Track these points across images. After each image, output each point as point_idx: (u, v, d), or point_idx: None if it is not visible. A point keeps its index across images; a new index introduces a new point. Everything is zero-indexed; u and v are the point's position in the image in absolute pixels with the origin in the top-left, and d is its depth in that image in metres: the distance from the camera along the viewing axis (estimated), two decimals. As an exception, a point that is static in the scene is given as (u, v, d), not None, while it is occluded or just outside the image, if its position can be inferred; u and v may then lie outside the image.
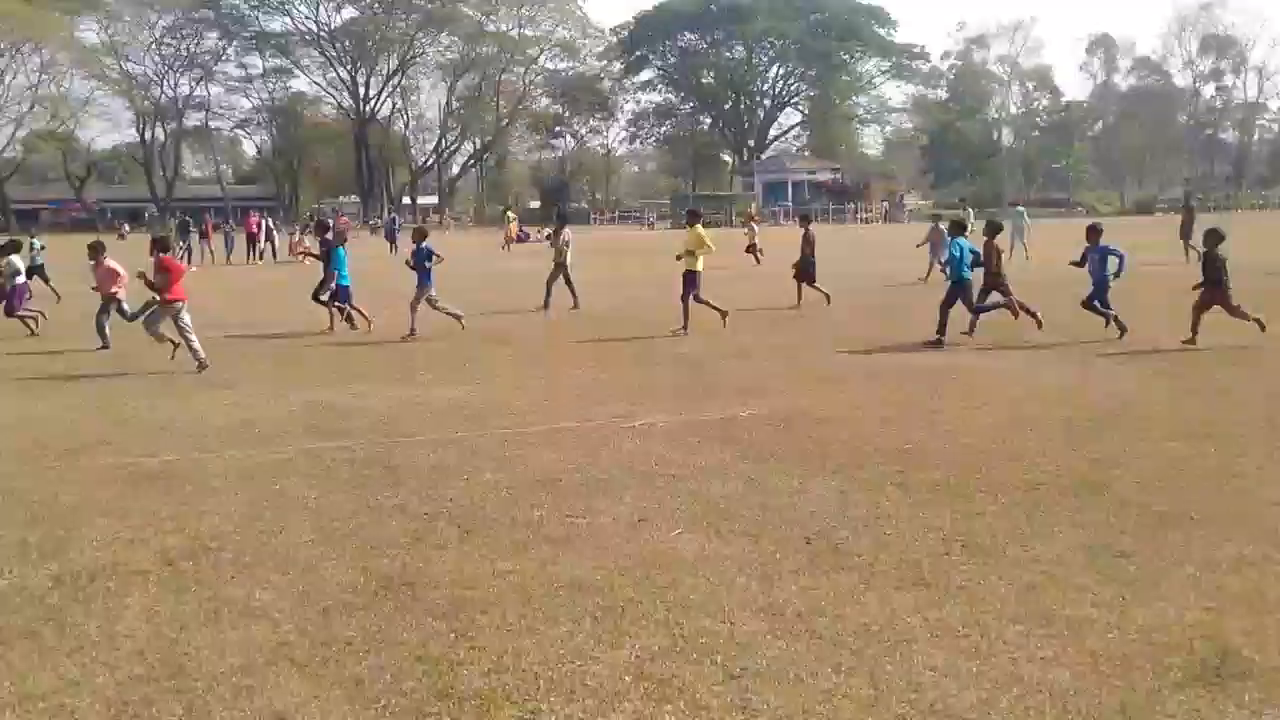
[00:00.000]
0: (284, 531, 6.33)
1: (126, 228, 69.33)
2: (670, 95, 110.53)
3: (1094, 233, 14.47)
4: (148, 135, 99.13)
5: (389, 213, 56.74)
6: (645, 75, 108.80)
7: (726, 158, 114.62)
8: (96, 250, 15.75)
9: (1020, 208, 32.31)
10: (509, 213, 51.64)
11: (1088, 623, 4.73)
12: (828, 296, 19.10)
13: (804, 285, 19.31)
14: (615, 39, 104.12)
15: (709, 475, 7.42)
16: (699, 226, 16.18)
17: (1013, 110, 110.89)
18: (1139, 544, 5.74)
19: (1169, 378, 10.98)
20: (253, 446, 8.71)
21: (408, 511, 6.73)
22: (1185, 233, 26.75)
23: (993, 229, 14.89)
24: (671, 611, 4.98)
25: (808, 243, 19.61)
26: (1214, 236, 13.16)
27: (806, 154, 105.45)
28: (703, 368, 12.47)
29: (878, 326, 15.93)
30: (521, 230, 50.39)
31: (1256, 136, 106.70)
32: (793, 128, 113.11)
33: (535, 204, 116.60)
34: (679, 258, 15.98)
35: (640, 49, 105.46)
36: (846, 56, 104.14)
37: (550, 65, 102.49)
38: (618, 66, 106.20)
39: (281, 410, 10.33)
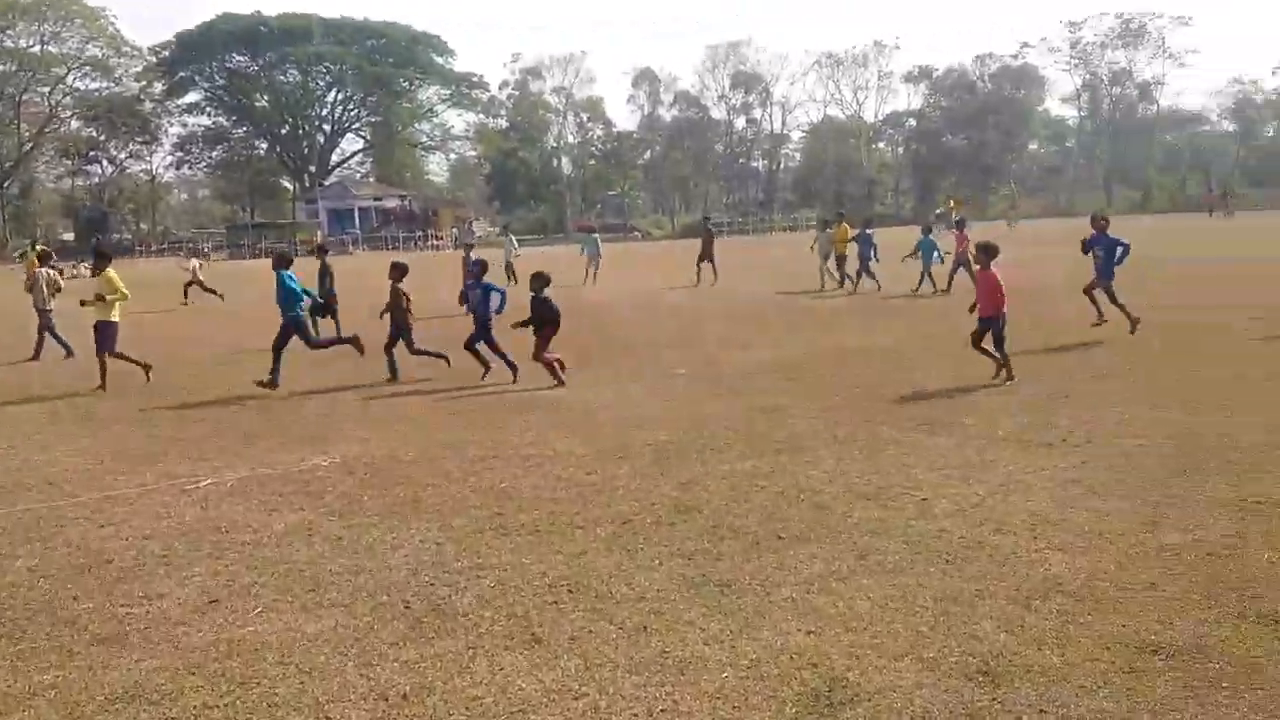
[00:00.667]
0: None
1: None
2: (221, 119, 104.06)
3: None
4: None
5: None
6: (191, 97, 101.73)
7: (287, 184, 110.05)
8: None
9: (595, 234, 33.45)
10: (34, 248, 45.55)
11: (701, 663, 4.63)
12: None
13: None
14: (155, 59, 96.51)
15: (291, 539, 6.71)
16: (110, 270, 13.84)
17: (569, 139, 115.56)
18: (736, 569, 5.80)
19: (736, 395, 11.54)
20: None
21: (-90, 622, 5.47)
22: (704, 255, 28.22)
23: (398, 272, 13.62)
24: (255, 716, 4.31)
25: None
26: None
27: (371, 180, 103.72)
28: (270, 412, 11.54)
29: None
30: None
31: (781, 165, 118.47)
32: (355, 154, 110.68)
33: (68, 236, 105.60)
34: (84, 304, 13.71)
35: (184, 69, 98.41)
36: (406, 84, 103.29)
37: (81, 85, 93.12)
38: (159, 88, 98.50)
39: None
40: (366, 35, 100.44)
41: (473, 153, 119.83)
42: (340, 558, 6.28)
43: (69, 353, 16.75)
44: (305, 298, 13.47)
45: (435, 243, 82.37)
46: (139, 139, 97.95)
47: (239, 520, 7.19)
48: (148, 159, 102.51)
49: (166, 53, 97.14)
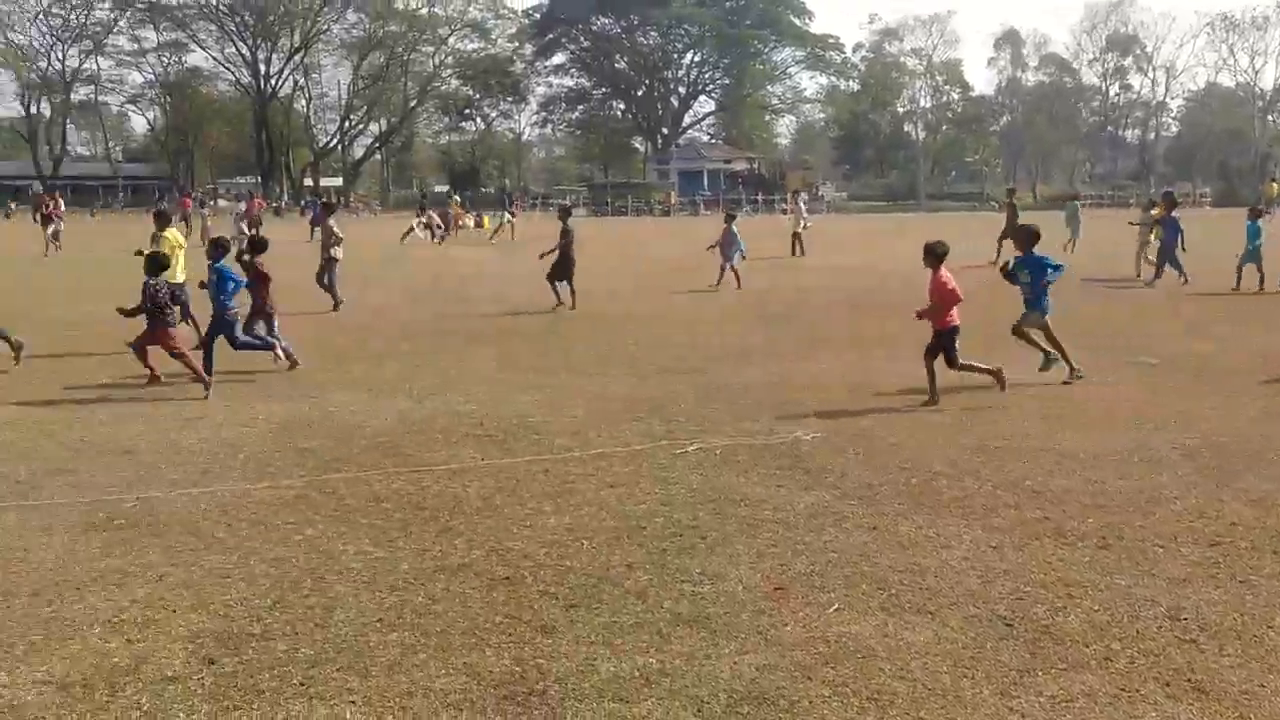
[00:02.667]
0: (337, 607, 5.00)
1: (13, 206, 65.13)
2: (583, 80, 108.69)
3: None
4: (33, 109, 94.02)
5: (310, 195, 53.77)
6: (558, 59, 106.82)
7: (639, 145, 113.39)
8: None
9: (1077, 201, 31.60)
10: (454, 196, 48.68)
11: None
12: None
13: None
14: (527, 20, 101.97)
15: (820, 522, 6.28)
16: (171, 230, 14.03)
17: (923, 104, 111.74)
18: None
19: (1240, 394, 10.14)
20: (247, 478, 7.30)
21: (480, 572, 5.46)
22: (1007, 233, 25.33)
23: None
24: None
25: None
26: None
27: (718, 143, 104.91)
28: (705, 374, 11.31)
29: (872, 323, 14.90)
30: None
31: (1157, 135, 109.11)
32: (706, 116, 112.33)
33: (441, 188, 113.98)
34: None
35: (553, 32, 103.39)
36: (761, 45, 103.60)
37: (461, 46, 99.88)
38: (529, 49, 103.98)
39: (260, 429, 8.89)
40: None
41: (820, 116, 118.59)
42: (889, 552, 5.76)
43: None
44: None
45: (783, 207, 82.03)
46: (509, 98, 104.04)
47: (750, 493, 6.86)
48: (515, 118, 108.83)
49: (538, 15, 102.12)
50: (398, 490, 7.01)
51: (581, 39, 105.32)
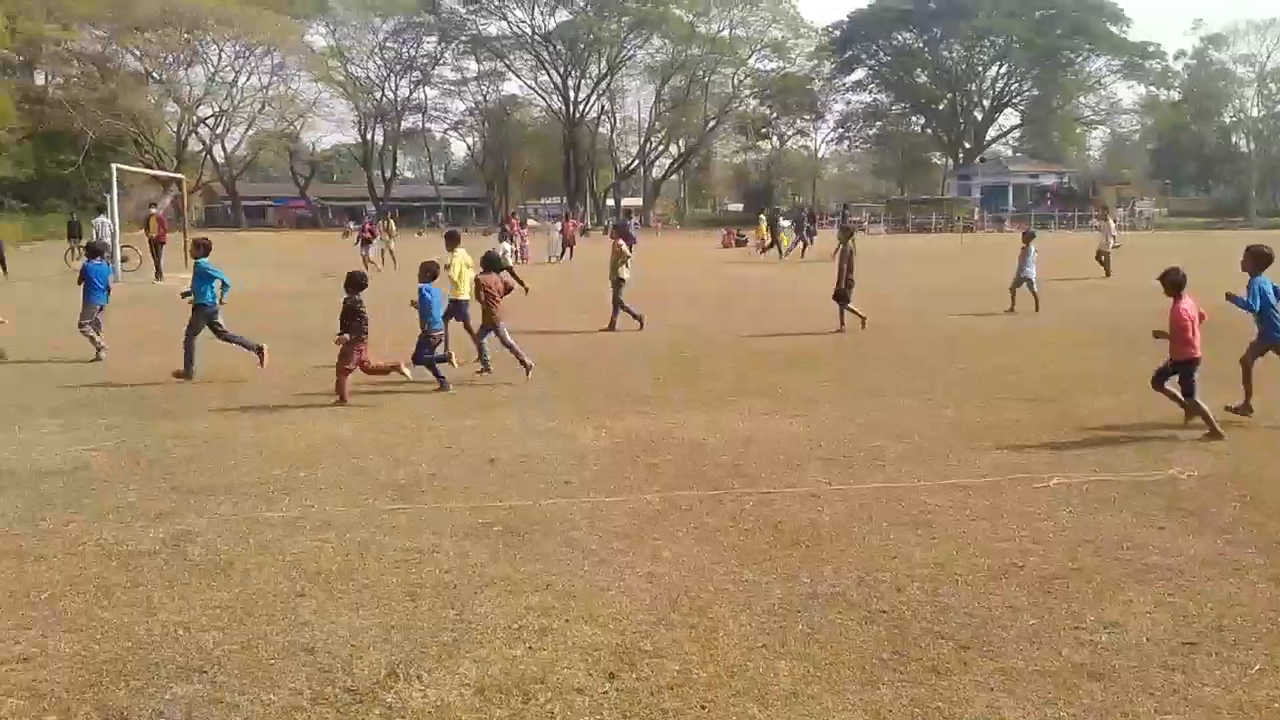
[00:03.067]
0: (720, 630, 5.02)
1: (351, 224, 71.13)
2: (881, 96, 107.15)
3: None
4: (368, 136, 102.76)
5: (624, 214, 55.72)
6: (856, 75, 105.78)
7: (938, 160, 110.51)
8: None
9: None
10: (761, 216, 48.97)
11: None
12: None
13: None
14: (827, 39, 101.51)
15: (1217, 571, 5.75)
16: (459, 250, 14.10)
17: (1252, 113, 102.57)
18: None
19: None
20: (605, 491, 7.52)
21: (854, 603, 5.34)
22: None
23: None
24: None
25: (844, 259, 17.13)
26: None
27: (1021, 156, 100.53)
28: (1048, 402, 10.69)
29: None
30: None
31: None
32: (1012, 129, 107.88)
33: (735, 206, 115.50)
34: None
35: (852, 48, 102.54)
36: (1073, 55, 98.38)
37: (760, 66, 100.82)
38: (828, 66, 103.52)
39: (605, 443, 9.16)
40: (1035, 6, 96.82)
41: (1135, 128, 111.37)
42: (1310, 610, 5.19)
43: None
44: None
45: (1094, 224, 77.30)
46: (806, 116, 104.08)
47: (1131, 536, 6.38)
48: (811, 135, 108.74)
49: (838, 32, 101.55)
50: (752, 512, 7.01)
51: (881, 54, 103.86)
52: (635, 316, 17.10)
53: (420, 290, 12.11)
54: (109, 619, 5.16)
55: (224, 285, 12.85)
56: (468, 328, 13.59)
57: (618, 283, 17.38)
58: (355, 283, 11.36)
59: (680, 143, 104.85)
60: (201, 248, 13.07)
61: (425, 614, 5.23)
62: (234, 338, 12.81)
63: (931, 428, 9.63)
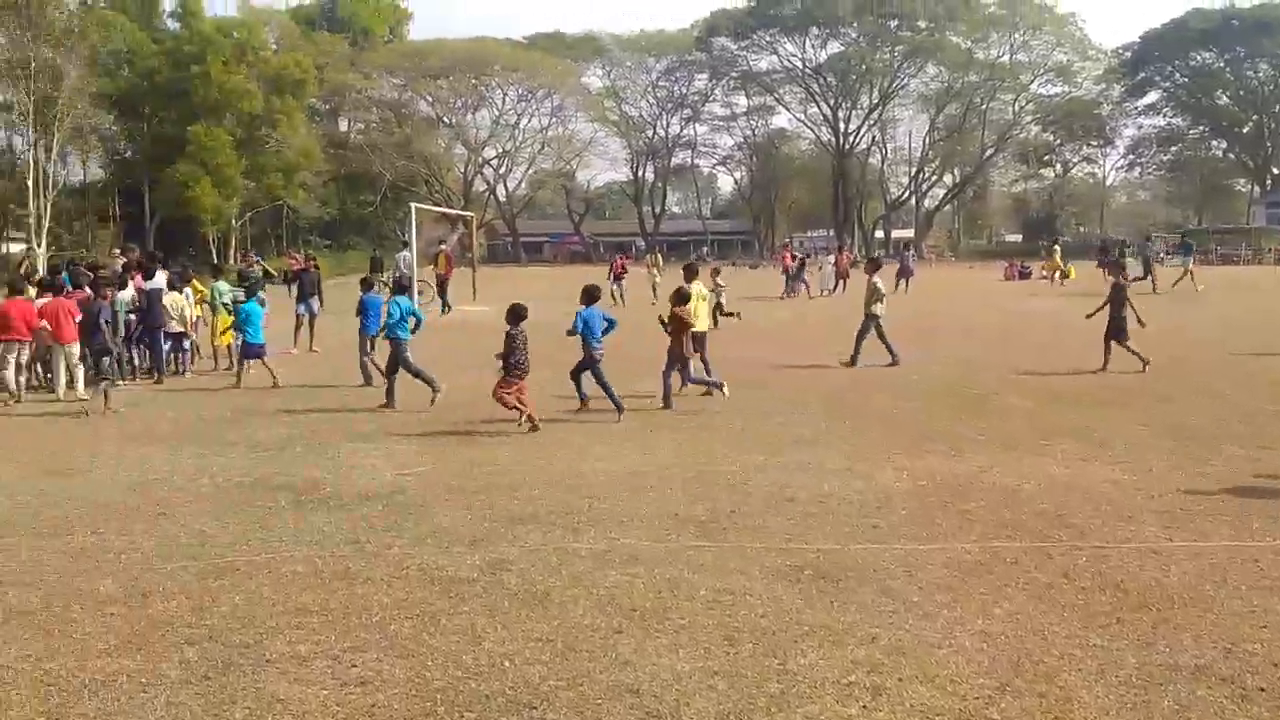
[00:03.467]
0: (1073, 701, 4.53)
1: (660, 257, 72.89)
2: (1176, 119, 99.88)
3: None
4: (639, 173, 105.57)
5: (904, 247, 54.33)
6: (1150, 98, 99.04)
7: (1240, 187, 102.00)
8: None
9: None
10: (1055, 245, 46.96)
11: None
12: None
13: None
14: (1115, 60, 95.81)
15: None
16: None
17: None
18: None
19: None
20: (918, 538, 7.10)
21: (1225, 678, 4.73)
22: None
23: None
24: None
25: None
26: None
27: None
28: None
29: None
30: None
31: None
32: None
33: (1014, 237, 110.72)
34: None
35: (1144, 70, 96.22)
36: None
37: (1042, 91, 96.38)
38: (1117, 90, 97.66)
39: (908, 484, 8.71)
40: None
41: None
42: None
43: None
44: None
45: None
46: (1093, 142, 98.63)
47: None
48: (1099, 162, 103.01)
49: (1129, 54, 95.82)
50: (1086, 568, 6.42)
51: (1177, 75, 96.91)
52: (891, 353, 16.45)
53: (578, 314, 12.25)
54: (438, 646, 5.23)
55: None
56: (704, 359, 13.88)
57: (870, 318, 16.82)
58: (515, 314, 11.55)
59: (955, 172, 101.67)
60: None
61: (747, 661, 5.03)
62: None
63: (1273, 479, 8.63)
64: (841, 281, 37.69)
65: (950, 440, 10.52)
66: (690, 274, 14.68)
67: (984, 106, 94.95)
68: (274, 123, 62.94)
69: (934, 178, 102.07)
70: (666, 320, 12.95)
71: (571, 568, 6.47)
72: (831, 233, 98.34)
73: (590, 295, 12.61)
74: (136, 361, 16.32)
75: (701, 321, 14.01)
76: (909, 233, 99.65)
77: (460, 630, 5.44)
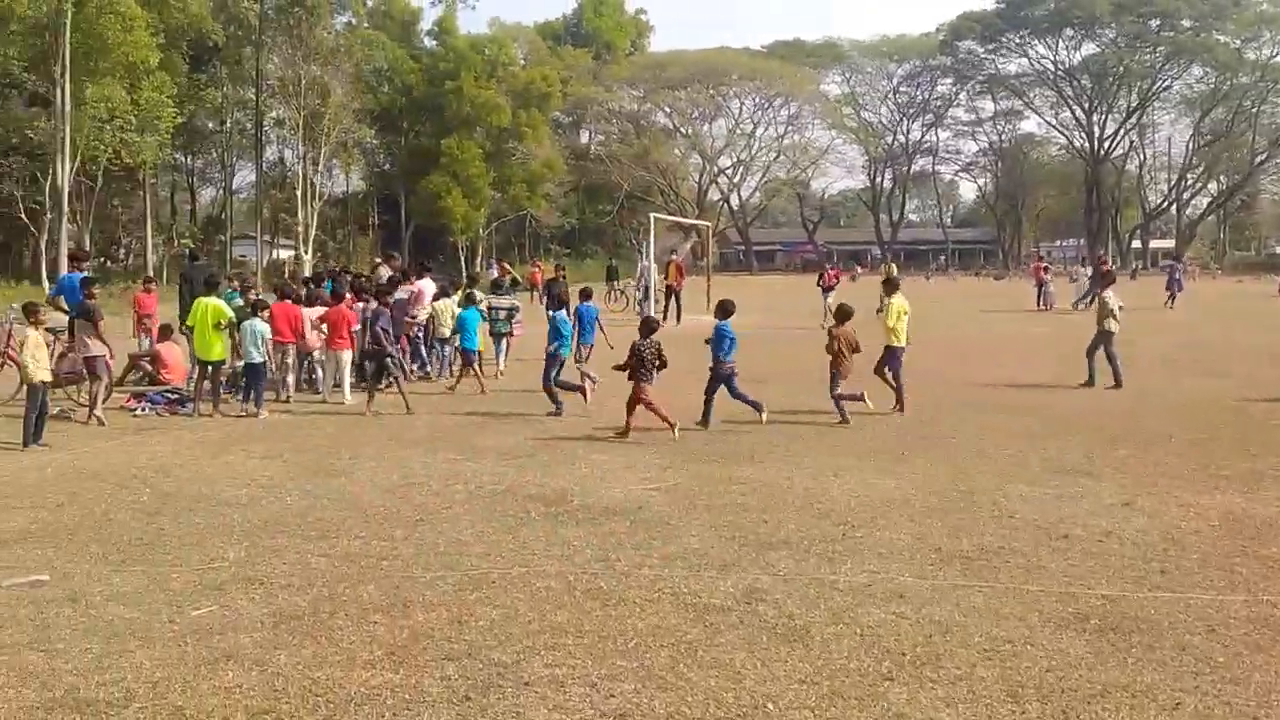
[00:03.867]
0: None
1: (859, 269, 71.75)
2: None
3: None
4: (877, 180, 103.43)
5: (1173, 258, 50.80)
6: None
7: None
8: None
9: None
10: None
11: None
12: None
13: None
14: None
15: None
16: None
17: None
18: None
19: None
20: (1216, 586, 6.38)
21: None
22: None
23: None
24: None
25: None
26: None
27: None
28: None
29: None
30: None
31: None
32: None
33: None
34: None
35: None
36: None
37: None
38: None
39: (1191, 521, 7.91)
40: None
41: None
42: None
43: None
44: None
45: None
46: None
47: None
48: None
49: None
50: None
51: None
52: (1116, 376, 15.42)
53: (716, 327, 12.34)
54: (696, 680, 5.02)
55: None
56: (896, 376, 13.34)
57: (1103, 335, 15.89)
58: (647, 327, 12.02)
59: (1220, 180, 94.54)
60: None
61: (1033, 721, 4.57)
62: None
63: None
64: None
65: (1242, 474, 9.55)
66: (891, 288, 14.36)
67: (1254, 110, 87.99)
68: (520, 135, 65.31)
69: (1197, 185, 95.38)
70: (830, 338, 12.75)
71: (830, 601, 6.14)
72: (1082, 241, 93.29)
73: (725, 310, 12.65)
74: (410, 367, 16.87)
75: (900, 337, 13.44)
76: (1169, 243, 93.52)
77: (718, 664, 5.20)
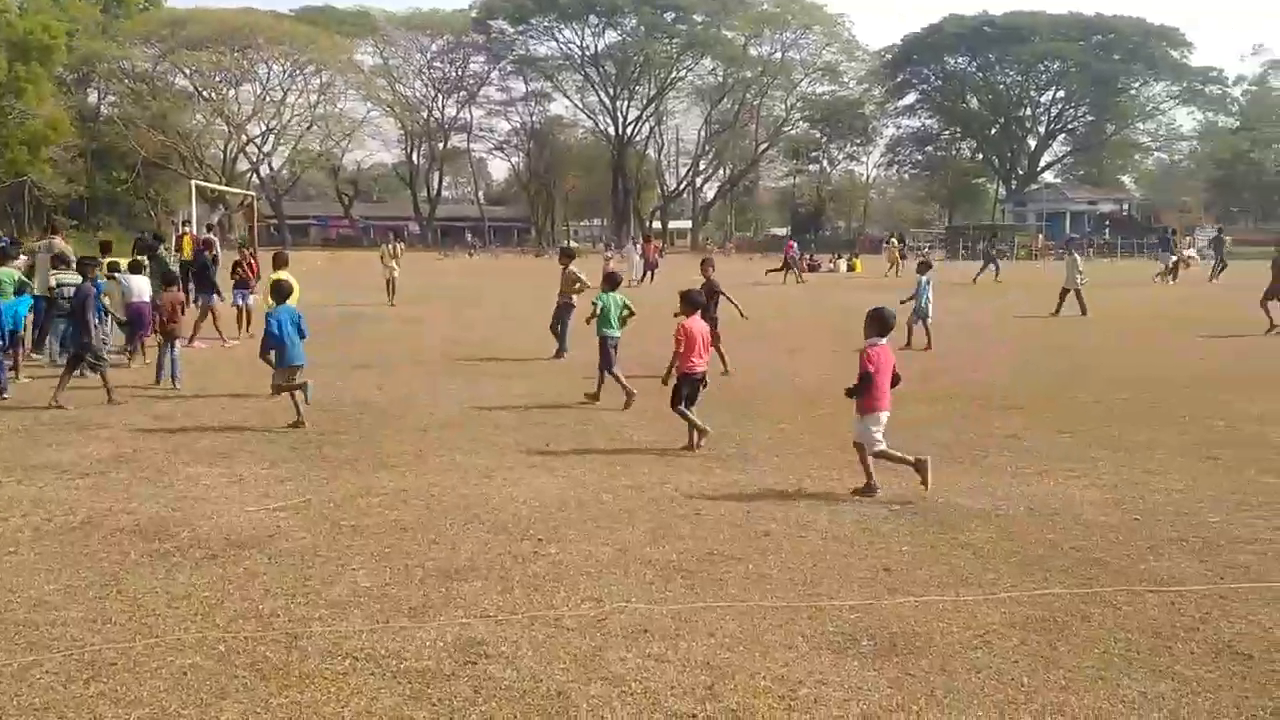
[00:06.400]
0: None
1: (400, 246, 69.97)
2: (931, 121, 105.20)
3: None
4: (413, 156, 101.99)
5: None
6: (908, 99, 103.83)
7: (988, 186, 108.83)
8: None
9: None
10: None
11: None
12: None
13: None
14: (879, 62, 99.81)
15: None
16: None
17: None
18: None
19: None
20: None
21: None
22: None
23: None
24: None
25: None
26: None
27: (1072, 182, 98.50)
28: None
29: None
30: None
31: None
32: (1066, 155, 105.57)
33: (779, 230, 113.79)
34: None
35: (904, 72, 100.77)
36: (1132, 81, 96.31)
37: (811, 90, 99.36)
38: (879, 91, 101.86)
39: (876, 506, 7.72)
40: (1094, 30, 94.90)
41: (1183, 156, 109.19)
42: None
43: None
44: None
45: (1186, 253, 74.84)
46: (856, 141, 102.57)
47: None
48: (862, 160, 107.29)
49: (889, 56, 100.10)
50: (1158, 619, 5.51)
51: (933, 78, 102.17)
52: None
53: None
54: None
55: None
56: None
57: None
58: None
59: (729, 166, 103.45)
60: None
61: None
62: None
63: None
64: (650, 272, 36.92)
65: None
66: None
67: (756, 102, 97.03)
68: (19, 91, 56.87)
69: (710, 171, 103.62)
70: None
71: (569, 647, 5.03)
72: (606, 221, 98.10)
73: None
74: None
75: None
76: (685, 223, 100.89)
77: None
